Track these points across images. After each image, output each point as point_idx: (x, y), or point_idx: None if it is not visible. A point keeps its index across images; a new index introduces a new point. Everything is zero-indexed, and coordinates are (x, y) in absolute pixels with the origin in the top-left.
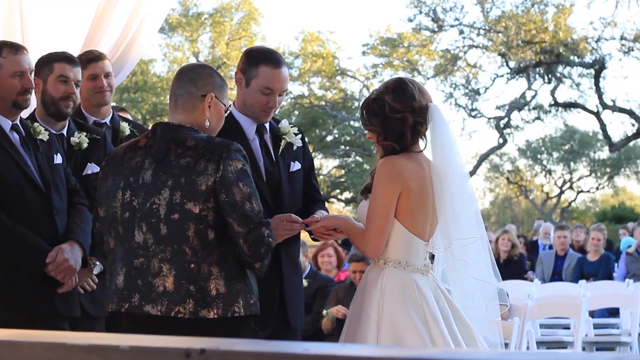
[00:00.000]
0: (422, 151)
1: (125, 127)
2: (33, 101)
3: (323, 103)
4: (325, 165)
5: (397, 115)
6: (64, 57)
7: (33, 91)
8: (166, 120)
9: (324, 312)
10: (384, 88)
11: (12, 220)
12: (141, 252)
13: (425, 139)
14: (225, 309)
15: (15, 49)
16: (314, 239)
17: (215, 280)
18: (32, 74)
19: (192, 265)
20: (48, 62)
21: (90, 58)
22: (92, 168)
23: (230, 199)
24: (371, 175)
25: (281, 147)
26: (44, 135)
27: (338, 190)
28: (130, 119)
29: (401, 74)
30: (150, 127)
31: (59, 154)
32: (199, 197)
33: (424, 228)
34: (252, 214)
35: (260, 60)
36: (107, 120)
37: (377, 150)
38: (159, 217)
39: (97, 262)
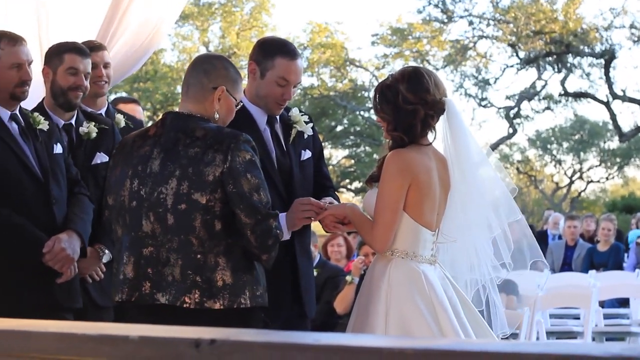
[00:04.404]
0: (430, 144)
1: (121, 119)
2: (42, 91)
3: (333, 93)
4: (335, 155)
5: (408, 106)
6: (74, 48)
7: (31, 82)
8: (177, 109)
9: (348, 277)
10: (399, 76)
11: (8, 210)
12: (150, 241)
13: (435, 131)
14: (232, 300)
15: (14, 40)
16: (326, 231)
17: (222, 271)
18: (30, 65)
19: (199, 256)
20: (58, 52)
21: (90, 47)
22: (101, 157)
23: (238, 190)
24: (378, 165)
25: (292, 136)
26: (43, 125)
27: (348, 180)
28: (141, 111)
29: (411, 64)
30: (160, 117)
31: (58, 144)
32: (206, 187)
33: (431, 219)
34: (259, 205)
35: (276, 51)
36: (103, 111)
37: (385, 138)
38: (166, 207)
39: (106, 251)
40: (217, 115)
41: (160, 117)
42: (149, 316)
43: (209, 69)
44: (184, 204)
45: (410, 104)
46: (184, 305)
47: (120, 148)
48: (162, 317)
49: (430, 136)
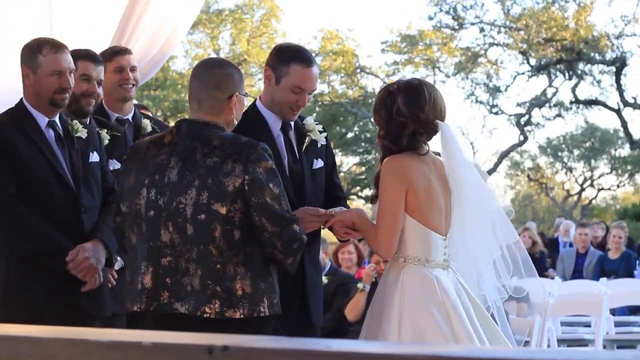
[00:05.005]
0: (426, 153)
1: (147, 124)
2: None
3: (343, 100)
4: (346, 162)
5: (400, 118)
6: (87, 55)
7: (71, 90)
8: (187, 116)
9: (359, 285)
10: (402, 86)
11: (36, 217)
12: (168, 251)
13: (428, 146)
14: (252, 309)
15: (56, 47)
16: (340, 241)
17: (241, 280)
18: (72, 74)
19: (218, 266)
20: (73, 60)
21: (117, 51)
22: (113, 164)
23: (262, 201)
24: (374, 182)
25: (305, 144)
26: (82, 133)
27: (358, 188)
28: (151, 116)
29: (422, 71)
30: (173, 124)
31: (95, 152)
32: (226, 198)
33: (439, 222)
34: (283, 212)
35: (291, 58)
36: (129, 116)
37: (378, 144)
38: (185, 217)
39: (118, 258)
40: (236, 121)
41: (173, 124)
42: (167, 325)
43: (218, 81)
44: (204, 214)
45: (402, 117)
46: (205, 315)
47: (132, 154)
48: (180, 326)
49: (425, 147)
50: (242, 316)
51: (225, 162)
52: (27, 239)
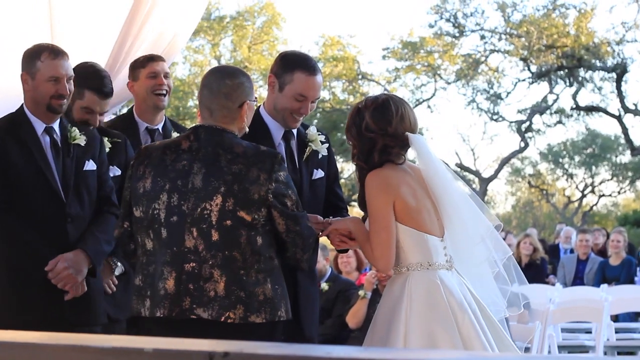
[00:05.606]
0: (403, 162)
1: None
2: None
3: (344, 107)
4: (347, 168)
5: (369, 134)
6: (97, 89)
7: (69, 96)
8: (194, 124)
9: (361, 292)
10: (370, 102)
11: (20, 224)
12: (192, 257)
13: (404, 157)
14: (272, 314)
15: (55, 53)
16: (339, 251)
17: (263, 286)
18: (70, 81)
19: (242, 272)
20: (80, 86)
21: (150, 57)
22: (113, 171)
23: (285, 207)
24: (360, 202)
25: (306, 154)
26: (80, 140)
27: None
28: (182, 126)
29: (423, 78)
30: (188, 129)
31: (92, 161)
32: (251, 205)
33: (431, 225)
34: (299, 214)
35: (295, 66)
36: (160, 126)
37: (353, 162)
38: (210, 223)
39: (118, 264)
40: (247, 128)
41: (188, 130)
42: (186, 331)
43: (229, 92)
44: (230, 220)
45: (370, 132)
46: (229, 321)
47: (143, 158)
48: (200, 332)
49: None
50: (264, 320)
51: (250, 170)
52: (12, 247)
